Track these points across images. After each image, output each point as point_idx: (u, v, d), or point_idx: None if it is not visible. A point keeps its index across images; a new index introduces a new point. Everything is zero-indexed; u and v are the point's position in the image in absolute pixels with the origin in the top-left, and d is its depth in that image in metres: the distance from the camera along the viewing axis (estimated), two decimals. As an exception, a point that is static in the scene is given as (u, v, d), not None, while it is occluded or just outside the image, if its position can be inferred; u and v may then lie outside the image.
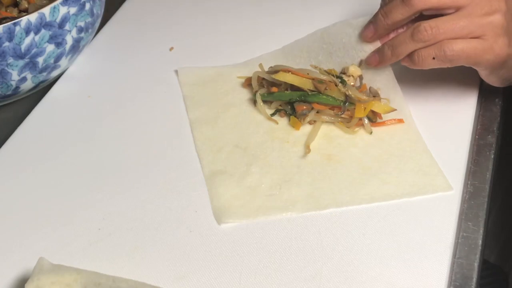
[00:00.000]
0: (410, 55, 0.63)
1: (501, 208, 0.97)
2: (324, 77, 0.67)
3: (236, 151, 0.65)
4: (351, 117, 0.66)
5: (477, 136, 0.66)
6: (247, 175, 0.62)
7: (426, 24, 0.61)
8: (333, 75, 0.67)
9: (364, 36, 0.68)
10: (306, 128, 0.67)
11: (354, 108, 0.65)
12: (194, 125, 0.68)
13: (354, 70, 0.68)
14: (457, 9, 0.61)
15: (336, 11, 0.82)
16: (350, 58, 0.69)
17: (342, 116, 0.66)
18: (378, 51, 0.67)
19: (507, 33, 0.62)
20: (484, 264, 0.92)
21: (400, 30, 0.65)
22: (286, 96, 0.67)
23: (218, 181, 0.62)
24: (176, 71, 0.75)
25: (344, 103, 0.66)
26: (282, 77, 0.67)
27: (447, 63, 0.62)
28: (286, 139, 0.66)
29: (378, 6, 0.66)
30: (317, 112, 0.66)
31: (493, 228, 0.98)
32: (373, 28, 0.66)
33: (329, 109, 0.66)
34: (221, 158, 0.64)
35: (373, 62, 0.67)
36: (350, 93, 0.65)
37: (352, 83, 0.67)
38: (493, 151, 0.65)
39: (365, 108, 0.65)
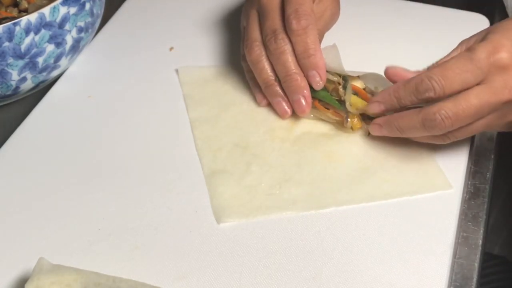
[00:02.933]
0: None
1: (505, 202, 0.97)
2: (334, 78, 0.66)
3: (236, 150, 0.65)
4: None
5: (477, 136, 0.66)
6: (247, 174, 0.62)
7: (441, 115, 0.56)
8: (340, 76, 0.66)
9: (371, 110, 0.63)
10: (306, 128, 0.67)
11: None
12: (194, 124, 0.68)
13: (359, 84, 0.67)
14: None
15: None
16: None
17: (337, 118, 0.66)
18: (384, 123, 0.62)
19: None
20: (488, 259, 0.92)
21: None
22: None
23: (218, 180, 0.62)
24: (177, 70, 0.75)
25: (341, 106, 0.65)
26: None
27: None
28: (286, 138, 0.66)
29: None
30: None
31: (496, 221, 0.99)
32: (384, 107, 0.62)
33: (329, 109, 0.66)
34: (221, 157, 0.64)
35: (377, 133, 0.63)
36: (344, 99, 0.65)
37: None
38: (493, 151, 0.65)
39: (356, 119, 0.65)
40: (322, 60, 0.65)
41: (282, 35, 0.65)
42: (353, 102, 0.65)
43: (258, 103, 0.69)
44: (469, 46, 0.58)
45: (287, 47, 0.65)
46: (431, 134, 0.59)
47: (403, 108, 0.60)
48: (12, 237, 0.58)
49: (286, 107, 0.67)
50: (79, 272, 0.51)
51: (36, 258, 0.52)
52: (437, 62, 0.61)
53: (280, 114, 0.67)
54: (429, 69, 0.59)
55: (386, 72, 0.63)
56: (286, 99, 0.67)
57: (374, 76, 0.66)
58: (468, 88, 0.56)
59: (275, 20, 0.66)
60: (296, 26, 0.64)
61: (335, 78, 0.66)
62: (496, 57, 0.55)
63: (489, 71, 0.55)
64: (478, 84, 0.56)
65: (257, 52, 0.67)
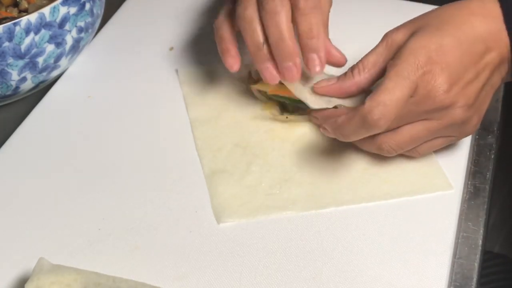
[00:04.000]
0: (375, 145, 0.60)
1: (505, 201, 0.98)
2: None
3: (236, 150, 0.65)
4: None
5: (477, 136, 0.66)
6: (247, 174, 0.62)
7: (387, 143, 0.58)
8: None
9: (325, 133, 0.62)
10: (306, 128, 0.67)
11: None
12: (194, 124, 0.68)
13: None
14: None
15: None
16: None
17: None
18: (329, 130, 0.60)
19: (472, 116, 0.59)
20: (489, 258, 0.92)
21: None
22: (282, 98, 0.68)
23: (218, 180, 0.62)
24: (177, 71, 0.75)
25: None
26: (262, 87, 0.67)
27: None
28: (287, 138, 0.66)
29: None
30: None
31: (497, 219, 0.99)
32: (332, 136, 0.60)
33: None
34: (221, 157, 0.64)
35: (326, 134, 0.61)
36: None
37: None
38: (493, 151, 0.65)
39: None
40: (324, 44, 0.61)
41: (251, 4, 0.61)
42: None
43: (229, 68, 0.64)
44: (394, 62, 0.57)
45: (284, 9, 0.60)
46: (368, 134, 0.57)
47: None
48: (12, 237, 0.58)
49: (275, 73, 0.62)
50: (79, 272, 0.51)
51: (36, 258, 0.52)
52: (361, 60, 0.61)
53: (268, 80, 0.63)
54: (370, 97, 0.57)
55: (315, 89, 0.63)
56: (275, 64, 0.62)
57: None
58: None
59: None
60: (303, 5, 0.60)
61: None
62: (419, 71, 0.55)
63: (418, 87, 0.56)
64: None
65: (251, 12, 0.61)
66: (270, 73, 0.62)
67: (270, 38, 0.61)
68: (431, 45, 0.57)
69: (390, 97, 0.54)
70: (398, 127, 0.58)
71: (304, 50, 0.61)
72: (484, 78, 0.58)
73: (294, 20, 0.61)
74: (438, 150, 0.63)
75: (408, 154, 0.62)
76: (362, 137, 0.58)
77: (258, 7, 0.61)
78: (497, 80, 0.60)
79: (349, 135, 0.58)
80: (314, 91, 0.63)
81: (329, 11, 0.66)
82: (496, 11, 0.58)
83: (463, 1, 0.60)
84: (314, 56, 0.61)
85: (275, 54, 0.61)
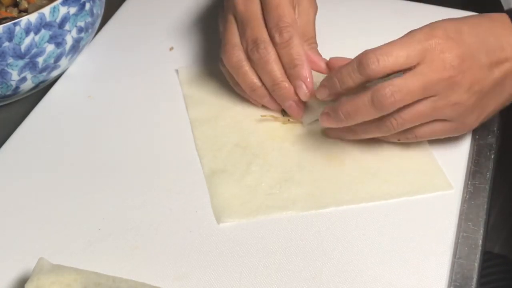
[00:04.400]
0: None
1: (505, 201, 0.97)
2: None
3: (236, 150, 0.65)
4: None
5: (477, 136, 0.66)
6: (247, 174, 0.62)
7: (390, 89, 0.57)
8: None
9: (319, 96, 0.63)
10: (306, 128, 0.67)
11: None
12: (195, 124, 0.68)
13: None
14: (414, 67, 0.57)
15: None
16: None
17: None
18: (332, 110, 0.61)
19: (475, 109, 0.59)
20: (489, 258, 0.92)
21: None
22: None
23: (218, 180, 0.62)
24: (177, 71, 0.75)
25: None
26: None
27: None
28: (287, 138, 0.66)
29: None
30: None
31: (497, 220, 0.99)
32: (328, 91, 0.62)
33: None
34: (221, 157, 0.64)
35: (326, 124, 0.62)
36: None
37: None
38: (493, 151, 0.65)
39: None
40: (307, 69, 0.64)
41: (264, 44, 0.64)
42: None
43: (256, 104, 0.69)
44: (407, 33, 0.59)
45: (271, 56, 0.64)
46: (381, 112, 0.57)
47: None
48: (12, 237, 0.58)
49: (276, 105, 0.67)
50: (79, 272, 0.51)
51: (36, 258, 0.52)
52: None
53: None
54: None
55: (328, 62, 0.65)
56: (274, 99, 0.67)
57: None
58: (411, 66, 0.57)
59: (255, 28, 0.65)
60: (279, 40, 0.64)
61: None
62: (432, 40, 0.57)
63: (427, 51, 0.57)
64: (419, 63, 0.57)
65: (238, 57, 0.66)
66: (272, 104, 0.67)
67: (266, 84, 0.66)
68: (450, 26, 0.59)
69: (397, 54, 0.57)
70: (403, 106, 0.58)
71: (290, 79, 0.65)
72: (496, 76, 0.59)
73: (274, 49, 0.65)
74: (438, 150, 0.63)
75: (405, 138, 0.61)
76: (368, 110, 0.58)
77: (243, 52, 0.66)
78: (508, 88, 0.60)
79: (354, 109, 0.58)
80: (330, 63, 0.65)
81: (314, 18, 0.68)
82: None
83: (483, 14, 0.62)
84: (300, 83, 0.64)
85: (275, 97, 0.66)
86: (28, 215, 0.60)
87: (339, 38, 0.77)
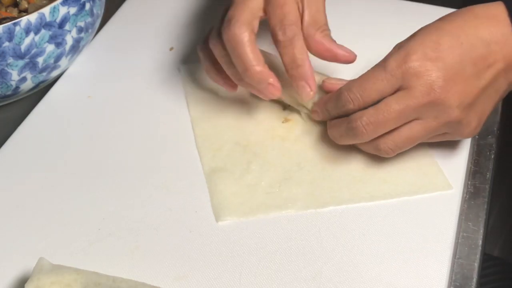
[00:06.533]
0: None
1: (504, 203, 0.97)
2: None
3: (237, 148, 0.65)
4: None
5: (477, 136, 0.66)
6: (247, 172, 0.63)
7: (362, 122, 0.58)
8: None
9: (313, 117, 0.65)
10: (306, 128, 0.66)
11: None
12: (195, 122, 0.68)
13: None
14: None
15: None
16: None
17: None
18: (327, 129, 0.64)
19: (471, 119, 0.58)
20: (488, 259, 0.92)
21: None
22: None
23: (218, 178, 0.62)
24: (179, 68, 0.75)
25: None
26: None
27: None
28: (287, 137, 0.66)
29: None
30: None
31: (496, 222, 0.99)
32: (321, 116, 0.64)
33: None
34: (221, 155, 0.64)
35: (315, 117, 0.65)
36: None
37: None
38: (493, 151, 0.65)
39: None
40: (310, 70, 0.62)
41: (238, 24, 0.60)
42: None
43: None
44: (385, 57, 0.59)
45: (241, 36, 0.60)
46: (357, 142, 0.61)
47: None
48: (12, 237, 0.58)
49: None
50: (79, 272, 0.51)
51: (36, 258, 0.52)
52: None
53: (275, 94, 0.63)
54: (350, 81, 0.61)
55: (323, 85, 0.64)
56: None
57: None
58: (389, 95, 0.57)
59: (238, 7, 0.61)
60: (282, 37, 0.61)
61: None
62: (407, 65, 0.56)
63: (404, 78, 0.57)
64: (397, 91, 0.57)
65: (215, 39, 0.62)
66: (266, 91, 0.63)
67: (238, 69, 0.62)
68: (428, 43, 0.57)
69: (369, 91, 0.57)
70: (395, 128, 0.58)
71: (292, 79, 0.62)
72: (487, 81, 0.58)
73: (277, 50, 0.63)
74: (438, 150, 0.63)
75: (390, 148, 0.61)
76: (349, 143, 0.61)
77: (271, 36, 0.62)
78: (502, 85, 0.59)
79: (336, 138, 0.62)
80: (324, 87, 0.64)
81: (324, 6, 0.66)
82: (501, 16, 0.58)
83: (467, 6, 0.60)
84: (303, 83, 0.62)
85: (250, 82, 0.62)
86: (28, 215, 0.60)
87: (340, 38, 0.77)
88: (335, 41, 0.64)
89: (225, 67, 0.64)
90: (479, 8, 0.59)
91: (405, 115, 0.57)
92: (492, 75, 0.58)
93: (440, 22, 0.59)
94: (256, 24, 0.62)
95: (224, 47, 0.62)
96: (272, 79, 0.62)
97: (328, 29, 0.65)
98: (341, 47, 0.64)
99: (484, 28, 0.58)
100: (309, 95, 0.62)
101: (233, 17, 0.61)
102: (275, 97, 0.63)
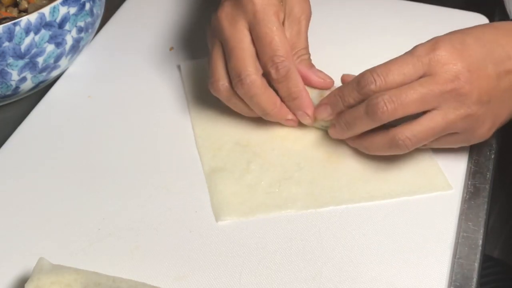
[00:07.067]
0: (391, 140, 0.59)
1: (504, 204, 0.97)
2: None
3: (237, 148, 0.65)
4: None
5: (477, 136, 0.66)
6: (247, 172, 0.63)
7: (384, 99, 0.57)
8: None
9: (320, 116, 0.64)
10: (306, 127, 0.66)
11: None
12: (196, 122, 0.68)
13: None
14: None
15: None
16: None
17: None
18: (336, 121, 0.63)
19: (486, 119, 0.59)
20: (488, 260, 0.92)
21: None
22: None
23: (218, 178, 0.62)
24: (179, 66, 0.75)
25: None
26: None
27: None
28: (287, 137, 0.66)
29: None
30: None
31: (496, 223, 0.99)
32: (330, 109, 0.63)
33: None
34: (222, 155, 0.64)
35: (333, 134, 0.64)
36: None
37: None
38: (493, 151, 0.65)
39: None
40: (307, 99, 0.63)
41: (249, 79, 0.61)
42: None
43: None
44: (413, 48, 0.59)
45: (256, 89, 0.62)
46: (375, 122, 0.58)
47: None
48: (12, 237, 0.58)
49: (329, 114, 0.64)
50: (79, 272, 0.51)
51: (36, 258, 0.52)
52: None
53: (321, 113, 0.64)
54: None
55: (342, 80, 0.64)
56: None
57: None
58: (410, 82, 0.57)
59: (239, 60, 0.61)
60: (275, 76, 0.62)
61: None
62: (435, 53, 0.57)
63: (431, 65, 0.57)
64: (422, 77, 0.57)
65: (224, 94, 0.64)
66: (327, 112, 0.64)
67: (257, 113, 0.64)
68: (455, 38, 0.58)
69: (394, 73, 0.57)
70: (414, 119, 0.58)
71: (291, 109, 0.64)
72: (506, 84, 0.58)
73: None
74: (438, 150, 0.63)
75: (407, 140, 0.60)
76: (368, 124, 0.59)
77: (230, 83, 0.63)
78: None
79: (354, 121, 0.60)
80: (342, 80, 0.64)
81: (307, 27, 0.66)
82: None
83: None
84: (301, 112, 0.64)
85: (269, 119, 0.65)
86: (28, 215, 0.60)
87: (340, 38, 0.77)
88: (313, 66, 0.66)
89: (244, 112, 0.66)
90: (498, 23, 0.62)
91: (427, 100, 0.57)
92: (510, 80, 0.59)
93: (461, 30, 0.60)
94: (258, 64, 0.63)
95: (239, 99, 0.64)
96: (290, 115, 0.65)
97: (307, 53, 0.66)
98: (317, 73, 0.65)
99: (504, 37, 0.59)
100: (309, 122, 0.65)
101: (240, 71, 0.61)
102: (295, 126, 0.66)
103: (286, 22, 0.65)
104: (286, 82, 0.62)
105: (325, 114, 0.63)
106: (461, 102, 0.57)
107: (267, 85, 0.63)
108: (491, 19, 0.79)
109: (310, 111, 0.64)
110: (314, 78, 0.65)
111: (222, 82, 0.63)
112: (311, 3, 0.68)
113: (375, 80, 0.58)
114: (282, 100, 0.64)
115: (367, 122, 0.59)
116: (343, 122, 0.61)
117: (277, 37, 0.61)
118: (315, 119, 0.64)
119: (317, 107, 0.64)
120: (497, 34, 0.60)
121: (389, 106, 0.56)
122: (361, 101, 0.59)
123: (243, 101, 0.64)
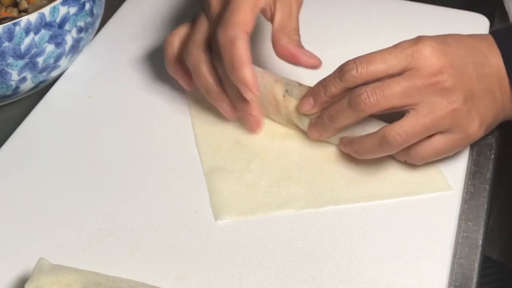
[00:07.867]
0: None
1: (503, 206, 0.97)
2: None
3: (236, 148, 0.65)
4: None
5: (477, 136, 0.66)
6: (247, 172, 0.63)
7: (367, 91, 0.57)
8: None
9: (303, 108, 0.63)
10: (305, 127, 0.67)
11: None
12: (196, 121, 0.68)
13: None
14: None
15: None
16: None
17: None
18: (317, 121, 0.62)
19: (474, 115, 0.59)
20: (487, 262, 0.92)
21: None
22: None
23: (217, 177, 0.62)
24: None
25: None
26: None
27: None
28: (286, 137, 0.66)
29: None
30: None
31: (495, 225, 0.98)
32: (313, 100, 0.62)
33: None
34: (221, 154, 0.64)
35: (314, 135, 0.63)
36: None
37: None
38: (493, 151, 0.65)
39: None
40: (248, 72, 0.60)
41: (197, 47, 0.63)
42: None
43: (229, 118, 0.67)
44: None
45: (199, 53, 0.63)
46: (357, 114, 0.58)
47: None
48: (12, 237, 0.58)
49: (312, 106, 0.63)
50: (79, 272, 0.51)
51: (36, 258, 0.52)
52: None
53: (303, 106, 0.63)
54: None
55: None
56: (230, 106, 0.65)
57: None
58: (394, 74, 0.57)
59: (198, 25, 0.64)
60: (221, 37, 0.60)
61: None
62: (418, 46, 0.57)
63: (414, 57, 0.57)
64: (404, 70, 0.57)
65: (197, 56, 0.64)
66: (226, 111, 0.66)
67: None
68: (437, 37, 0.59)
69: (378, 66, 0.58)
70: (403, 118, 0.58)
71: (234, 81, 0.61)
72: (486, 86, 0.59)
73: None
74: (438, 150, 0.63)
75: (410, 160, 0.61)
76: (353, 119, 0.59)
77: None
78: (499, 101, 0.60)
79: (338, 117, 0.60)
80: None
81: (298, 11, 0.65)
82: (491, 40, 0.61)
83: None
84: (241, 85, 0.61)
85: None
86: (28, 215, 0.60)
87: (340, 38, 0.77)
88: (302, 47, 0.64)
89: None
90: (477, 34, 0.62)
91: (410, 93, 0.57)
92: (489, 83, 0.59)
93: (441, 34, 0.61)
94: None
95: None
96: (228, 101, 0.64)
97: (297, 34, 0.64)
98: (306, 52, 0.64)
99: (480, 42, 0.60)
100: (250, 97, 0.61)
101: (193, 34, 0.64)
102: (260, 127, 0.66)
103: (277, 4, 0.64)
104: (230, 48, 0.60)
105: (308, 106, 0.62)
106: (445, 97, 0.57)
107: (213, 68, 0.63)
108: (491, 19, 0.79)
109: (252, 85, 0.60)
110: (302, 57, 0.63)
111: (174, 37, 0.67)
112: (311, 4, 0.68)
113: (356, 67, 0.58)
114: (225, 77, 0.63)
115: (350, 114, 0.59)
116: (326, 116, 0.61)
117: (243, 12, 0.61)
118: (298, 112, 0.63)
119: (300, 99, 0.63)
120: (475, 40, 0.61)
121: (372, 98, 0.57)
122: (344, 91, 0.59)
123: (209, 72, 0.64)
